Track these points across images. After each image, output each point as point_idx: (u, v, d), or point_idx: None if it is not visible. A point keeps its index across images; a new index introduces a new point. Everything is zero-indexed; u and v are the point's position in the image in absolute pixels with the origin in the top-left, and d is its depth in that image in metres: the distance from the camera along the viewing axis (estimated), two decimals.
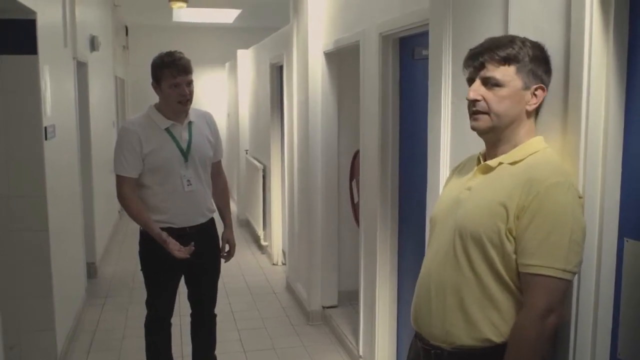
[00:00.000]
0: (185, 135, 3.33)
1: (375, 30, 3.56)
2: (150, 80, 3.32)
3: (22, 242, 3.86)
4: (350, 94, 4.82)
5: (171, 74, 3.22)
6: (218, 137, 3.57)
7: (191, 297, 3.59)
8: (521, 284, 1.70)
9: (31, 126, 3.84)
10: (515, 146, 1.80)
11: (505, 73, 1.75)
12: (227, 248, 3.60)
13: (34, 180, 3.86)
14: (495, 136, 1.82)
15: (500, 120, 1.78)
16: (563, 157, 1.82)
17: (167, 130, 3.29)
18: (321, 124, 4.90)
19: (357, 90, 3.98)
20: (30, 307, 3.93)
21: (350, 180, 5.20)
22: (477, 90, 1.78)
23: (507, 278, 1.72)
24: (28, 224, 3.87)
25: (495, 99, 1.76)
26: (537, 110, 1.84)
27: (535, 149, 1.78)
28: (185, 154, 3.31)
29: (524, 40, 1.79)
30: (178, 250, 3.20)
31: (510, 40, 1.78)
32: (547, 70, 1.81)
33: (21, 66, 3.78)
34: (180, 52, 3.31)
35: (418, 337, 1.94)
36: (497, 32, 2.16)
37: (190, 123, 3.37)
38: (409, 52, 3.42)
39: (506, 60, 1.75)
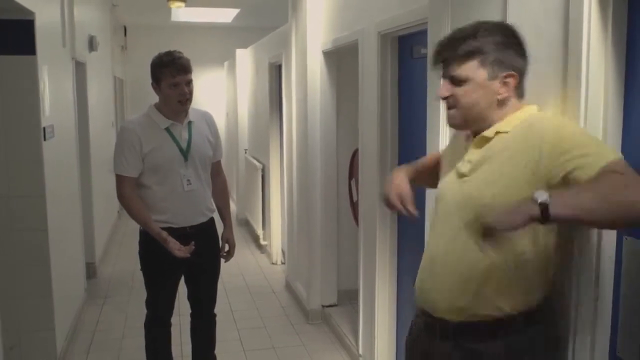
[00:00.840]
0: (185, 134, 3.34)
1: (374, 29, 3.56)
2: (149, 80, 3.32)
3: (21, 242, 3.86)
4: (349, 93, 4.82)
5: (170, 73, 3.21)
6: (218, 137, 3.57)
7: (191, 297, 3.60)
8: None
9: (30, 126, 3.84)
10: (501, 118, 1.78)
11: (467, 68, 1.74)
12: (226, 248, 3.60)
13: (33, 180, 3.86)
14: (472, 127, 1.83)
15: (469, 112, 1.78)
16: None
17: (167, 129, 3.30)
18: (320, 123, 4.90)
19: (356, 89, 3.98)
20: (30, 307, 3.93)
21: (350, 179, 5.20)
22: (445, 87, 1.80)
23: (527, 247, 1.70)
24: (27, 224, 3.87)
25: (461, 94, 1.77)
26: (520, 93, 1.80)
27: (530, 113, 1.77)
28: (185, 153, 3.31)
29: (489, 28, 1.76)
30: (178, 249, 3.20)
31: (472, 31, 1.75)
32: (519, 54, 1.76)
33: (20, 66, 3.78)
34: (180, 52, 3.31)
35: (421, 312, 1.93)
36: None
37: (190, 123, 3.37)
38: (408, 51, 3.42)
39: (468, 55, 1.74)
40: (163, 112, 3.31)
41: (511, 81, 1.75)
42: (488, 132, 1.78)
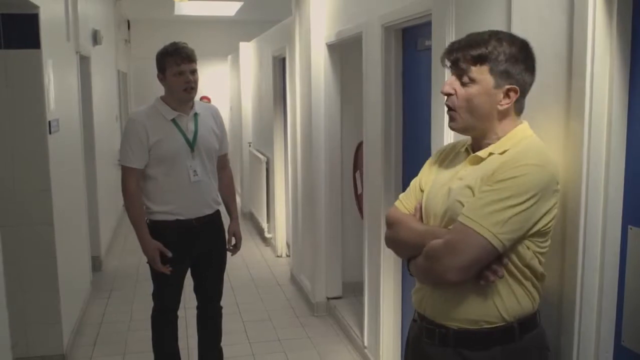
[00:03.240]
0: (191, 126, 3.35)
1: (378, 22, 3.56)
2: (153, 73, 3.34)
3: (27, 236, 3.88)
4: (353, 86, 4.81)
5: (175, 61, 3.24)
6: (224, 130, 3.58)
7: (198, 290, 3.61)
8: None
9: (35, 120, 3.86)
10: (498, 138, 1.78)
11: (478, 71, 1.73)
12: (233, 241, 3.61)
13: (38, 174, 3.88)
14: (474, 134, 1.83)
15: (471, 118, 1.77)
16: (567, 144, 1.83)
17: (174, 121, 3.31)
18: (324, 116, 4.90)
19: (360, 81, 3.98)
20: (37, 300, 3.96)
21: (354, 172, 5.21)
22: (452, 84, 1.78)
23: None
24: (33, 217, 3.89)
25: (465, 96, 1.75)
26: (520, 109, 1.79)
27: (522, 136, 1.76)
28: (192, 144, 3.32)
29: (501, 39, 1.74)
30: (156, 263, 3.28)
31: (486, 39, 1.74)
32: (527, 69, 1.75)
33: (25, 61, 3.79)
34: (184, 42, 3.33)
35: (421, 317, 1.94)
36: (500, 22, 2.16)
37: (196, 114, 3.38)
38: (412, 43, 3.42)
39: (478, 60, 1.73)
40: (169, 103, 3.33)
41: (513, 95, 1.74)
42: (482, 153, 1.79)
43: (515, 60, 1.73)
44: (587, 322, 1.78)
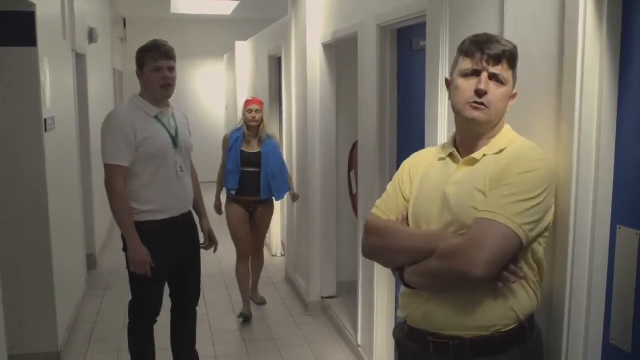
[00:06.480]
0: (172, 123, 3.35)
1: (373, 22, 3.58)
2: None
3: (23, 234, 3.89)
4: (348, 85, 4.83)
5: (153, 57, 3.23)
6: (190, 131, 3.56)
7: (177, 293, 3.54)
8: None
9: (31, 118, 3.87)
10: (491, 138, 1.83)
11: (511, 74, 1.79)
12: (204, 238, 3.61)
13: (34, 172, 3.89)
14: (483, 129, 1.81)
15: (496, 116, 1.79)
16: (557, 145, 1.85)
17: (157, 117, 3.29)
18: (319, 115, 4.92)
19: (356, 81, 3.99)
20: (32, 298, 3.96)
21: (349, 171, 5.22)
22: (487, 83, 1.76)
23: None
24: (29, 215, 3.90)
25: (497, 96, 1.77)
26: None
27: (512, 136, 1.84)
28: (175, 140, 3.32)
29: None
30: (143, 264, 3.17)
31: (514, 45, 1.80)
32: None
33: (21, 58, 3.80)
34: (165, 40, 3.33)
35: (422, 332, 1.86)
36: (493, 22, 2.18)
37: (173, 113, 3.40)
38: (407, 43, 3.44)
39: (514, 63, 1.79)
40: (149, 100, 3.29)
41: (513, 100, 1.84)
42: (476, 155, 1.82)
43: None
44: (576, 320, 1.80)
